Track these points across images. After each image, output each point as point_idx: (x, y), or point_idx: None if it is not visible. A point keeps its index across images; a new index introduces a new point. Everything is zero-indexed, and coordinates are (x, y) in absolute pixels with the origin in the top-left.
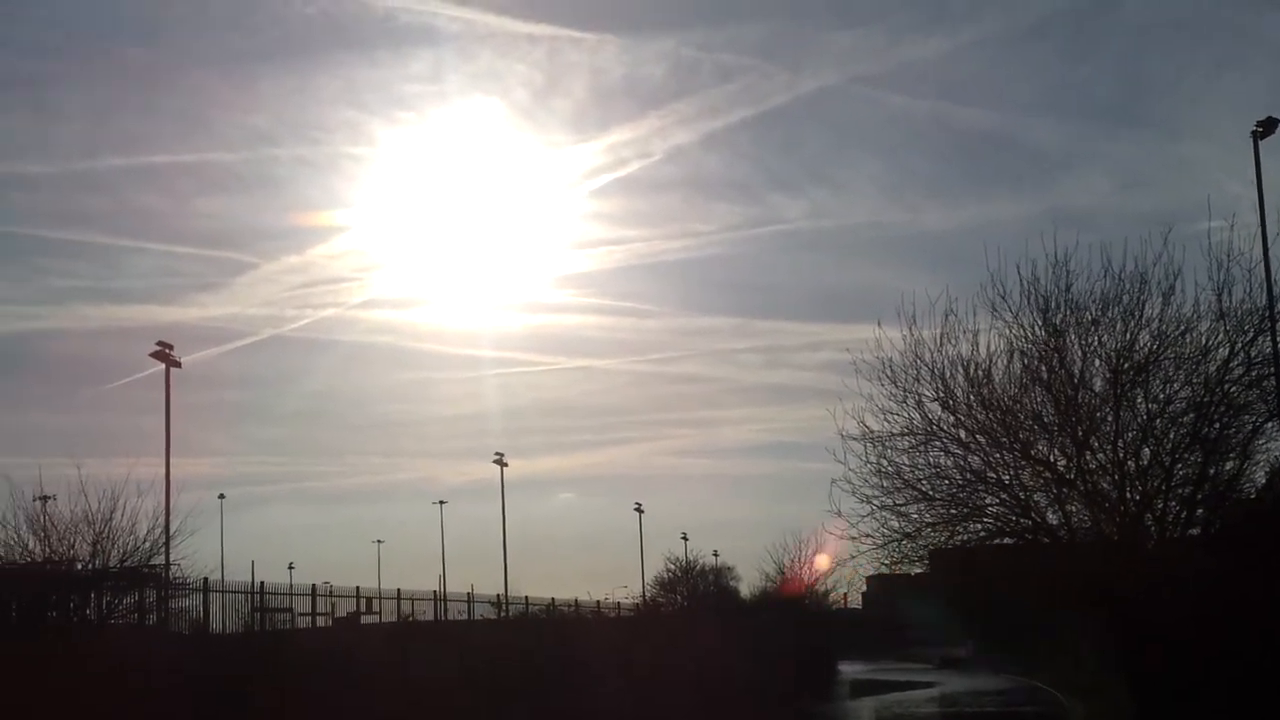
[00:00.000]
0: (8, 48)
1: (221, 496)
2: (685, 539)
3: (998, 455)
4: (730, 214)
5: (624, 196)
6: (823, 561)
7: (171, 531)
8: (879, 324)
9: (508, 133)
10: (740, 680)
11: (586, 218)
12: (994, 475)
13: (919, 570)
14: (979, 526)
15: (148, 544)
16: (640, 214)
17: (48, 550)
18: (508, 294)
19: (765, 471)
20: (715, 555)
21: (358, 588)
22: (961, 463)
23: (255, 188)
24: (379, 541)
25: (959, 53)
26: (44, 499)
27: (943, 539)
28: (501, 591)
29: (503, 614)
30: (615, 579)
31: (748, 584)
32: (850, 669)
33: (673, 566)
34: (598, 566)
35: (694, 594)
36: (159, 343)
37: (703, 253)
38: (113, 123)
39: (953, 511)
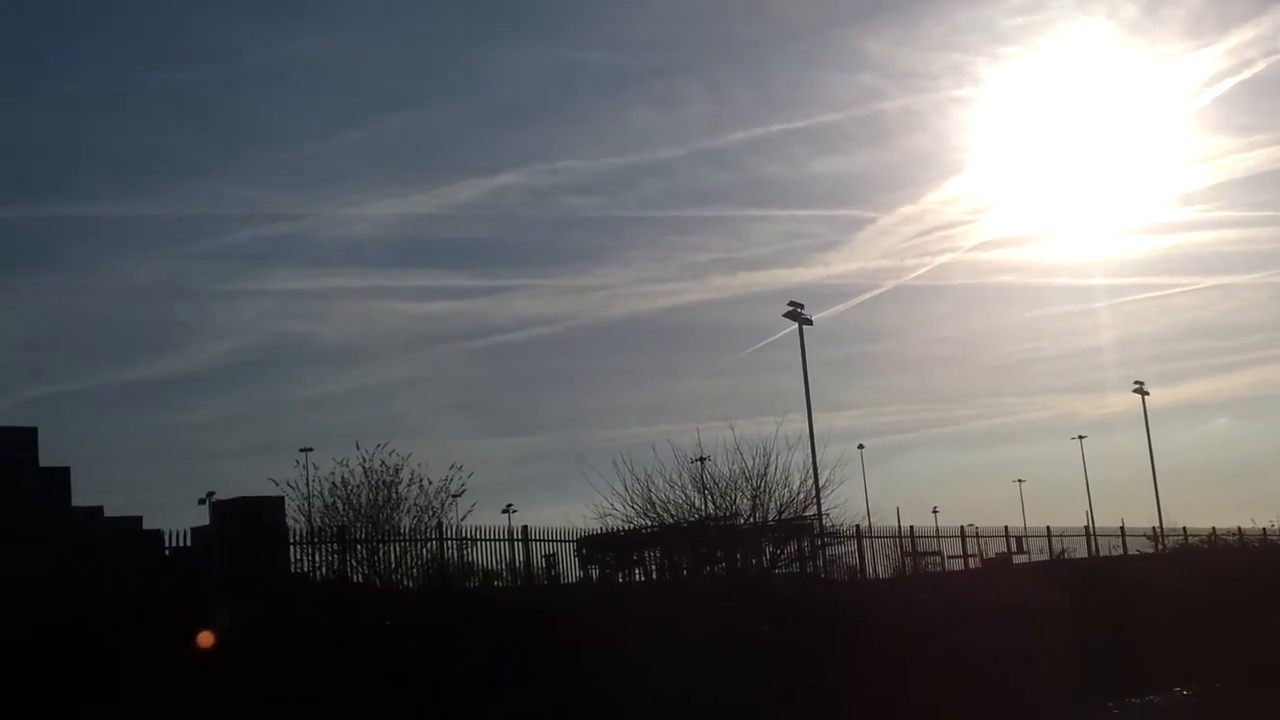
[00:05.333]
0: (628, 47)
1: (861, 446)
2: None
3: None
4: None
5: (1250, 100)
6: None
7: (820, 483)
8: None
9: (1116, 52)
10: None
11: (1209, 128)
12: None
13: None
14: None
15: (801, 495)
16: (1272, 115)
17: (711, 506)
18: (1127, 218)
19: None
20: None
21: (1005, 527)
22: None
23: (866, 143)
24: (1020, 481)
25: None
26: (702, 460)
27: None
28: (1155, 524)
29: (1159, 546)
30: None
31: None
32: None
33: None
34: (1260, 493)
35: None
36: (791, 303)
37: None
38: (731, 100)
39: None
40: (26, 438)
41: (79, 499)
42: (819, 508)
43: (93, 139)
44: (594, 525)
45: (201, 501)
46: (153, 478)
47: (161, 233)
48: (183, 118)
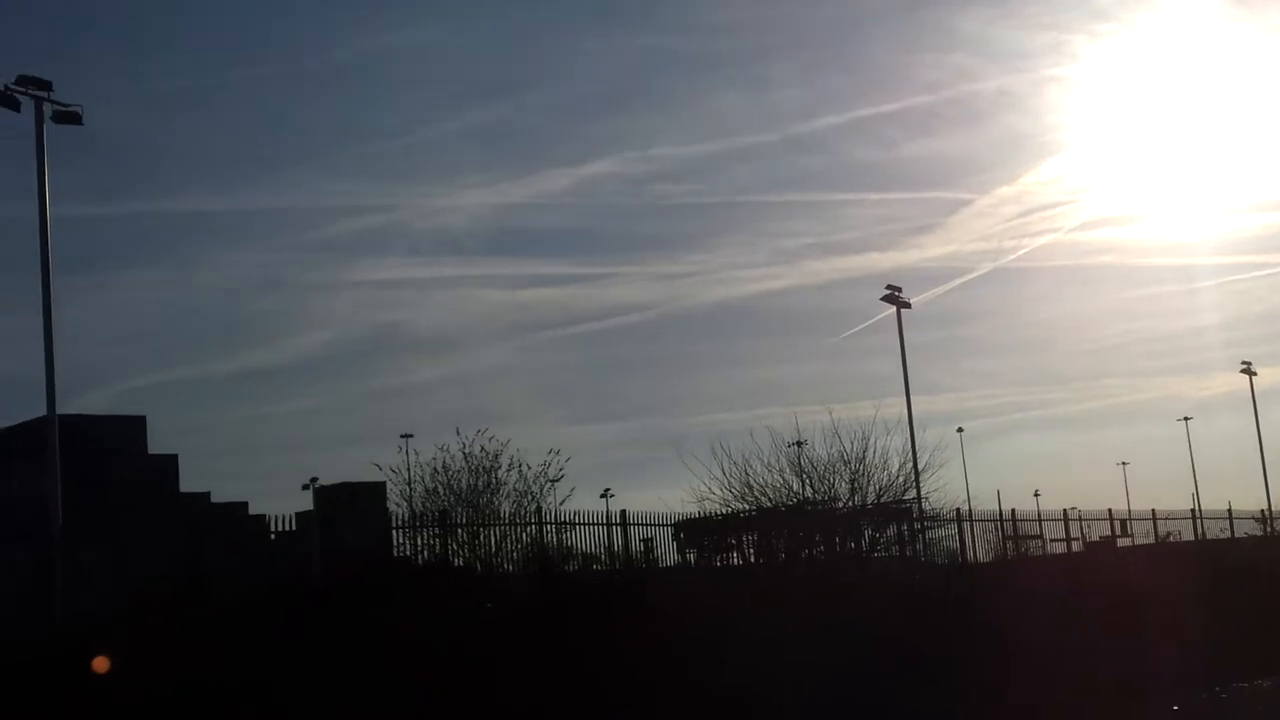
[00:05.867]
0: (718, 32)
1: (960, 430)
2: None
3: None
4: None
5: None
6: None
7: (920, 467)
8: None
9: (1220, 25)
10: None
11: None
12: None
13: None
14: None
15: (900, 479)
16: None
17: (810, 490)
18: (1235, 196)
19: None
20: None
21: (1109, 510)
22: None
23: (960, 125)
24: (1123, 464)
25: None
26: (799, 444)
27: None
28: (1263, 507)
29: (1268, 529)
30: None
31: None
32: None
33: None
34: None
35: None
36: (888, 287)
37: None
38: (821, 84)
39: None
40: (135, 426)
41: (186, 485)
42: (918, 491)
43: (191, 135)
44: (691, 509)
45: (305, 487)
46: (256, 465)
47: (259, 226)
48: (278, 113)
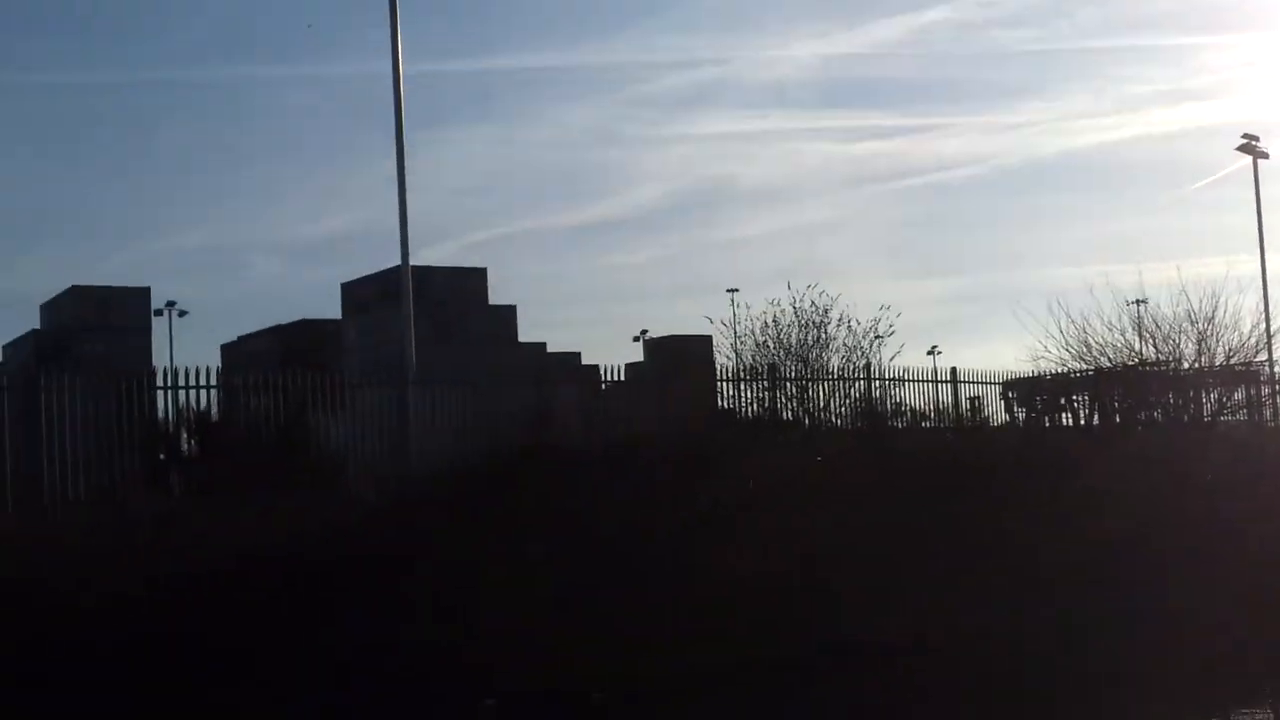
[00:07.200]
0: None
1: None
2: None
3: None
4: None
5: None
6: None
7: (1273, 328)
8: None
9: None
10: None
11: None
12: None
13: None
14: None
15: (1252, 340)
16: None
17: (1152, 350)
18: None
19: None
20: None
21: None
22: None
23: None
24: None
25: None
26: (1140, 302)
27: None
28: None
29: None
30: None
31: None
32: None
33: None
34: None
35: None
36: (1244, 136)
37: None
38: None
39: None
40: (477, 277)
41: (524, 336)
42: (1269, 353)
43: None
44: (1021, 368)
45: (635, 339)
46: (587, 316)
47: (592, 81)
48: None
